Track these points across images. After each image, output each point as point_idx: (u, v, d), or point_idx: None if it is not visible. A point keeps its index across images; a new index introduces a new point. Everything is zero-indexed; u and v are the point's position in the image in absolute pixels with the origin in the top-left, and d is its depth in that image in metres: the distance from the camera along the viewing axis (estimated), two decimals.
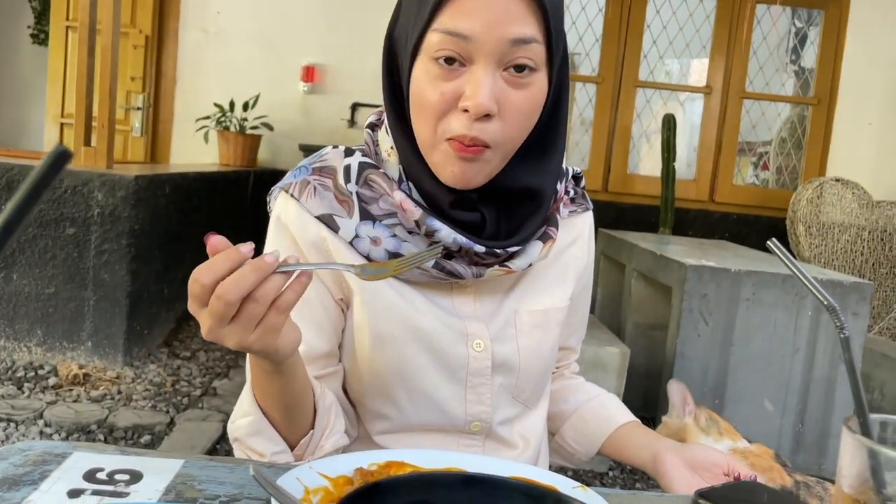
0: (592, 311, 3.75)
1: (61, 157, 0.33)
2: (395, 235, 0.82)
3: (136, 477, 0.66)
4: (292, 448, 0.80)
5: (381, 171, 0.84)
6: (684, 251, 3.14)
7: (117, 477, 0.66)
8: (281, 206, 0.87)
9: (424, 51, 0.75)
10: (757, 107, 4.95)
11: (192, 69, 4.89)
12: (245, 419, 0.79)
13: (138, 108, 4.94)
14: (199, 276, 0.63)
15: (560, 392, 1.07)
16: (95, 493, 0.63)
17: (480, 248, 0.80)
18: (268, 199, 0.90)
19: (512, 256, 0.83)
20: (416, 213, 0.80)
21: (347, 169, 0.85)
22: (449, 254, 0.82)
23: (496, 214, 0.83)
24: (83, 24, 3.29)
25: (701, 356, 2.74)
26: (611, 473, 2.70)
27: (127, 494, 0.63)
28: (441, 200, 0.81)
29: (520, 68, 0.75)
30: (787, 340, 2.73)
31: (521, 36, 0.73)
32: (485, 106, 0.73)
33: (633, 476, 2.70)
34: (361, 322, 0.85)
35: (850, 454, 0.46)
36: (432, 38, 0.74)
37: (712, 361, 2.74)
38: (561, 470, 2.87)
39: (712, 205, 4.87)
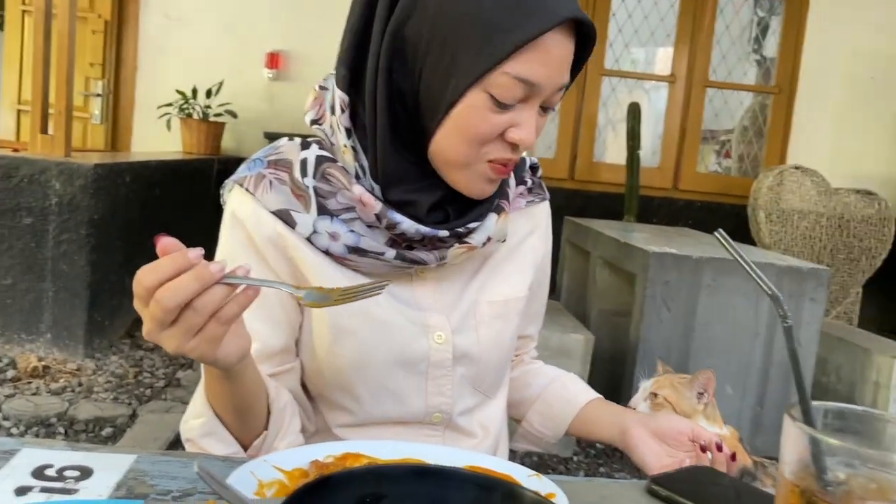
0: (558, 298, 3.78)
1: None
2: (353, 231, 0.81)
3: (85, 473, 0.65)
4: (245, 449, 0.79)
5: (339, 164, 0.82)
6: (647, 239, 3.17)
7: (66, 473, 0.65)
8: (235, 200, 0.85)
9: (485, 85, 0.74)
10: (720, 95, 5.01)
11: (154, 55, 4.79)
12: (197, 420, 0.78)
13: (98, 95, 4.84)
14: (142, 277, 0.62)
15: (521, 378, 1.08)
16: (44, 490, 0.62)
17: (444, 233, 0.81)
18: (221, 193, 0.89)
19: (470, 232, 0.84)
20: (377, 206, 0.79)
21: (304, 162, 0.83)
22: (409, 245, 0.82)
23: (451, 197, 0.83)
24: (38, 9, 3.21)
25: (663, 341, 2.78)
26: (575, 458, 2.73)
27: (76, 491, 0.62)
28: (420, 205, 0.81)
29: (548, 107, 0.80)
30: (747, 326, 2.78)
31: (566, 83, 0.78)
32: (533, 142, 0.78)
33: (596, 461, 2.74)
34: (321, 317, 0.84)
35: (791, 442, 0.47)
36: (501, 80, 0.74)
37: (674, 346, 2.78)
38: (527, 455, 2.88)
39: (676, 192, 4.92)
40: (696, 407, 1.00)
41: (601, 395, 1.05)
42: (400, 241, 0.82)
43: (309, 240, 0.82)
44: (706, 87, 4.89)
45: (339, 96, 0.81)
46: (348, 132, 0.81)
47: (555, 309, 3.05)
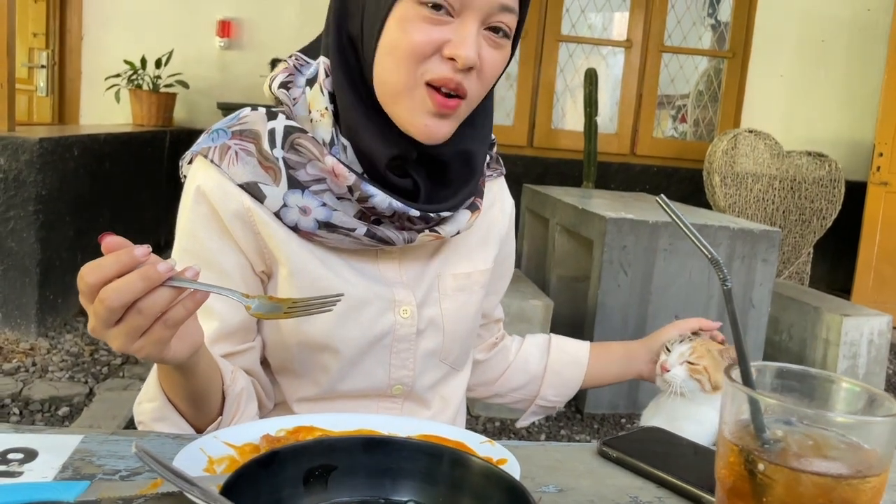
0: (518, 265, 3.80)
1: None
2: (324, 204, 0.79)
3: (30, 455, 0.64)
4: (199, 433, 0.78)
5: (309, 134, 0.80)
6: (605, 204, 3.20)
7: (10, 456, 0.64)
8: (200, 173, 0.81)
9: None
10: (675, 60, 5.04)
11: (100, 24, 4.64)
12: (150, 404, 0.77)
13: (42, 67, 4.69)
14: (85, 274, 0.60)
15: (496, 357, 1.10)
16: None
17: (415, 213, 0.79)
18: (180, 164, 0.85)
19: (441, 222, 0.83)
20: (350, 178, 0.77)
21: (272, 133, 0.80)
22: (377, 220, 0.81)
23: (428, 181, 0.83)
24: None
25: (621, 306, 2.82)
26: (536, 422, 2.77)
27: (21, 474, 0.61)
28: (378, 158, 0.78)
29: (497, 30, 0.77)
30: (702, 288, 2.84)
31: (507, 3, 0.76)
32: (472, 58, 0.74)
33: (557, 423, 2.78)
34: (288, 294, 0.83)
35: (730, 402, 0.48)
36: None
37: (632, 310, 2.82)
38: (489, 421, 2.91)
39: (633, 158, 4.97)
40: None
41: (588, 343, 1.13)
42: (369, 213, 0.80)
43: (277, 215, 0.80)
44: (662, 52, 4.92)
45: (323, 62, 0.80)
46: (331, 96, 0.80)
47: (515, 276, 3.05)
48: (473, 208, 0.86)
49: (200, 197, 0.81)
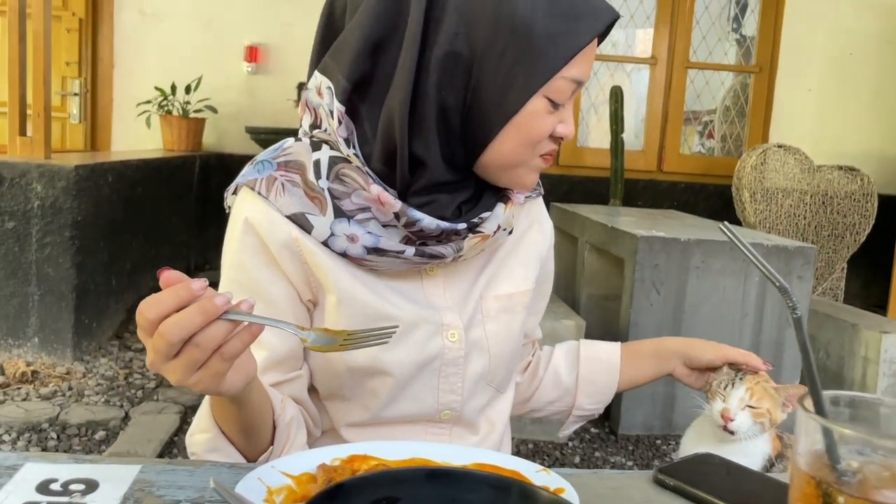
0: None
1: None
2: (370, 232, 0.80)
3: (91, 486, 0.65)
4: (251, 463, 0.79)
5: (353, 164, 0.81)
6: (635, 222, 3.18)
7: (72, 487, 0.64)
8: (248, 204, 0.82)
9: (544, 91, 0.78)
10: (701, 76, 5.02)
11: (130, 52, 4.73)
12: (203, 435, 0.78)
13: (75, 94, 4.78)
14: (144, 310, 0.61)
15: (548, 378, 1.10)
16: None
17: (462, 226, 0.81)
18: (225, 196, 0.86)
19: (482, 222, 0.84)
20: (396, 205, 0.78)
21: (317, 164, 0.81)
22: (423, 241, 0.82)
23: (454, 194, 0.83)
24: (12, 10, 3.16)
25: (654, 325, 2.79)
26: (570, 444, 2.75)
27: None
28: (443, 207, 0.82)
29: None
30: (736, 306, 2.80)
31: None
32: (573, 134, 0.84)
33: (591, 445, 2.75)
34: (337, 322, 0.83)
35: (805, 433, 0.47)
36: (560, 85, 0.78)
37: (665, 329, 2.79)
38: (522, 443, 2.89)
39: (660, 174, 4.94)
40: (781, 418, 0.93)
41: (618, 345, 1.12)
42: (415, 238, 0.81)
43: (325, 244, 0.81)
44: (687, 68, 4.90)
45: (337, 109, 0.79)
46: (347, 142, 0.80)
47: None
48: (505, 200, 0.87)
49: (248, 228, 0.82)
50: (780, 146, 4.40)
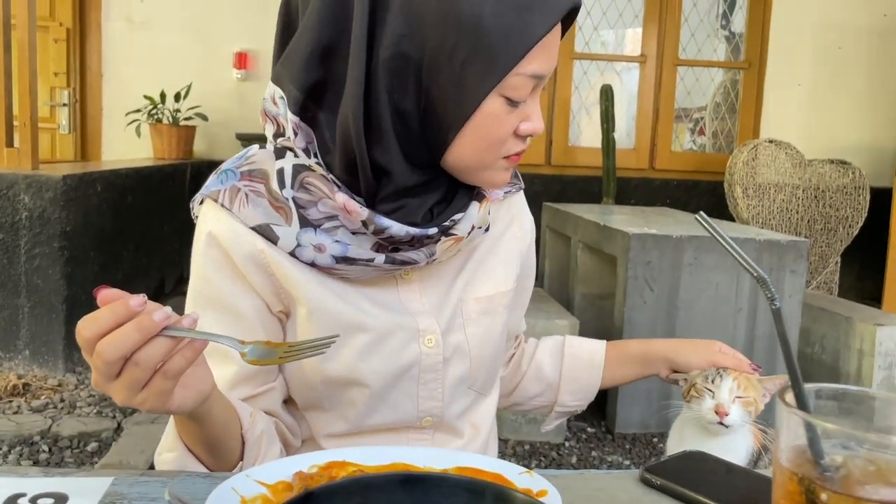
0: (541, 284, 3.78)
1: None
2: (338, 240, 0.78)
3: (60, 500, 0.63)
4: None
5: (317, 172, 0.78)
6: (627, 220, 3.17)
7: (41, 502, 0.63)
8: (211, 217, 0.80)
9: (500, 89, 0.73)
10: (691, 73, 5.01)
11: (119, 61, 4.72)
12: (169, 454, 0.76)
13: (64, 105, 4.76)
14: (82, 328, 0.59)
15: (530, 373, 1.09)
16: None
17: (433, 231, 0.78)
18: (191, 206, 0.84)
19: (455, 224, 0.81)
20: (363, 213, 0.76)
21: (281, 172, 0.78)
22: (395, 247, 0.79)
23: (424, 196, 0.80)
24: None
25: (648, 322, 2.78)
26: (567, 444, 2.73)
27: None
28: (413, 212, 0.78)
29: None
30: (730, 301, 2.79)
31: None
32: (542, 129, 0.79)
33: (588, 445, 2.74)
34: (309, 333, 0.81)
35: (786, 428, 0.45)
36: (514, 81, 0.73)
37: (659, 326, 2.78)
38: (518, 444, 2.86)
39: (653, 172, 4.93)
40: (761, 408, 0.93)
41: (603, 342, 1.10)
42: (386, 244, 0.79)
43: (292, 254, 0.78)
44: (677, 65, 4.90)
45: (291, 120, 0.77)
46: (307, 152, 0.78)
47: (538, 295, 3.04)
48: (480, 198, 0.84)
49: (212, 241, 0.80)
50: (770, 141, 4.40)
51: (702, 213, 0.51)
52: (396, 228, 0.76)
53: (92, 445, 2.54)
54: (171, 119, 4.44)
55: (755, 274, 0.47)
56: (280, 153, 0.80)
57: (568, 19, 0.77)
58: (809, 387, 0.48)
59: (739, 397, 0.91)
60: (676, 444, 0.97)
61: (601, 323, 3.15)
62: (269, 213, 0.78)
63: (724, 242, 0.48)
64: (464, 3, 0.70)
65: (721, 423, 0.91)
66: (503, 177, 0.81)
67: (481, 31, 0.70)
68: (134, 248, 3.63)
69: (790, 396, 0.46)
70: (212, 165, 4.85)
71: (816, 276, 4.42)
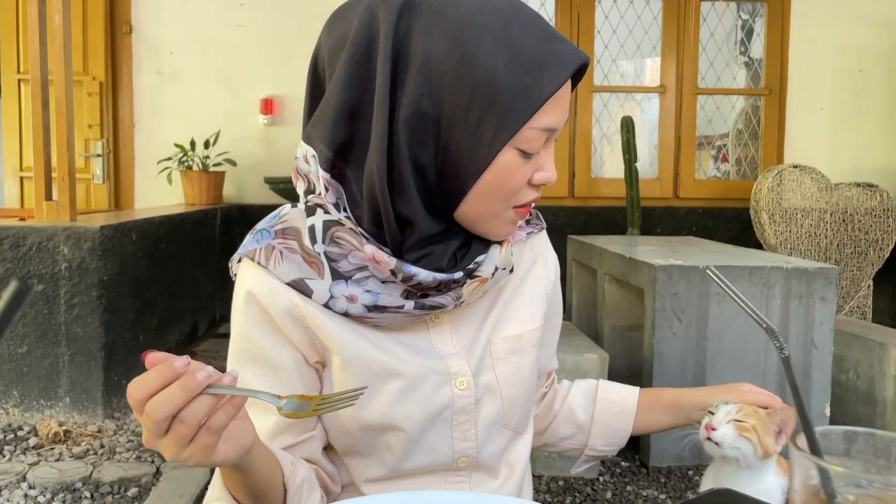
0: (568, 317, 3.78)
1: (19, 294, 0.34)
2: (368, 290, 0.82)
3: None
4: None
5: (347, 227, 0.82)
6: (653, 251, 3.18)
7: None
8: (248, 275, 0.85)
9: (513, 143, 0.78)
10: (711, 101, 5.04)
11: (150, 111, 4.87)
12: (217, 503, 0.80)
13: (98, 155, 4.91)
14: (132, 391, 0.63)
15: (563, 414, 1.11)
16: None
17: (459, 275, 0.82)
18: (230, 265, 0.89)
19: (478, 266, 0.85)
20: (391, 262, 0.80)
21: (312, 229, 0.83)
22: (424, 293, 0.83)
23: (447, 243, 0.84)
24: (35, 79, 3.27)
25: (678, 353, 2.78)
26: (601, 479, 2.72)
27: None
28: (438, 259, 0.82)
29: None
30: (759, 331, 2.75)
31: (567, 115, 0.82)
32: (556, 178, 0.83)
33: (622, 479, 2.72)
34: (344, 382, 0.85)
35: (798, 470, 0.48)
36: (528, 134, 0.77)
37: (689, 357, 2.77)
38: (552, 479, 2.84)
39: (677, 201, 4.94)
40: (774, 446, 0.90)
41: (636, 389, 1.12)
42: (415, 290, 0.83)
43: (326, 306, 0.83)
44: (697, 94, 4.93)
45: (322, 176, 0.81)
46: (337, 206, 0.82)
47: (567, 329, 3.05)
48: (500, 241, 0.87)
49: (251, 299, 0.84)
50: (795, 166, 4.39)
51: (711, 266, 0.54)
52: (423, 275, 0.80)
53: (132, 490, 2.59)
54: (200, 166, 4.56)
55: (764, 325, 0.50)
56: (311, 210, 0.85)
57: (577, 74, 0.81)
58: (820, 430, 0.50)
59: (737, 420, 0.91)
60: (712, 480, 0.98)
61: (631, 355, 3.15)
62: (302, 268, 0.83)
63: (733, 295, 0.51)
64: (478, 65, 0.75)
65: (710, 440, 0.92)
66: (505, 230, 0.84)
67: (495, 90, 0.75)
68: (168, 294, 3.72)
69: (802, 441, 0.49)
70: (242, 209, 4.92)
71: (849, 300, 4.37)
